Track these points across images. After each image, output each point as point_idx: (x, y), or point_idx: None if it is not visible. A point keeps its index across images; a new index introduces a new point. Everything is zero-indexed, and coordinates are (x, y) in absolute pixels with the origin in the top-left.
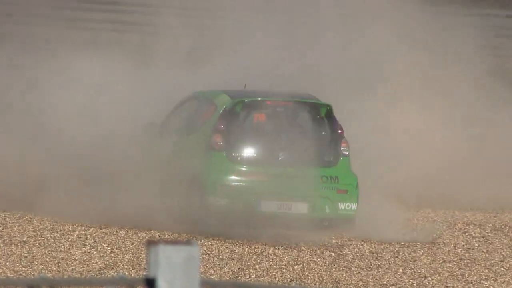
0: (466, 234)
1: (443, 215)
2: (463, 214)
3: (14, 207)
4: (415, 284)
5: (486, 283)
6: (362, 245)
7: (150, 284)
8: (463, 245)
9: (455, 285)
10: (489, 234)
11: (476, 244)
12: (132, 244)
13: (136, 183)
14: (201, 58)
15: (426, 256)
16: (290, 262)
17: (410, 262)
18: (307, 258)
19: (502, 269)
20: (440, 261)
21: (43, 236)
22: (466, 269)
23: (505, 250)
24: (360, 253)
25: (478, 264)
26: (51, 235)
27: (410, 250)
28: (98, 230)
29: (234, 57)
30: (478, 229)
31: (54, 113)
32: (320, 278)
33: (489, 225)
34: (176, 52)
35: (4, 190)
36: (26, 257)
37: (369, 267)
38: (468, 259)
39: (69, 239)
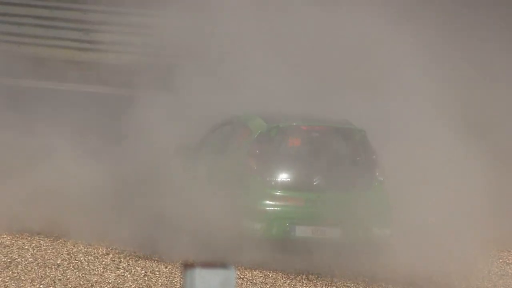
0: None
1: None
2: None
3: (48, 230)
4: None
5: None
6: (398, 269)
7: None
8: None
9: None
10: None
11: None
12: (166, 267)
13: (169, 207)
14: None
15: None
16: (324, 286)
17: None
18: (341, 283)
19: None
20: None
21: (77, 259)
22: None
23: None
24: (395, 279)
25: None
26: (85, 258)
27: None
28: (132, 253)
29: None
30: None
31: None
32: None
33: None
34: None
35: (40, 212)
36: (60, 279)
37: None
38: None
39: (103, 262)
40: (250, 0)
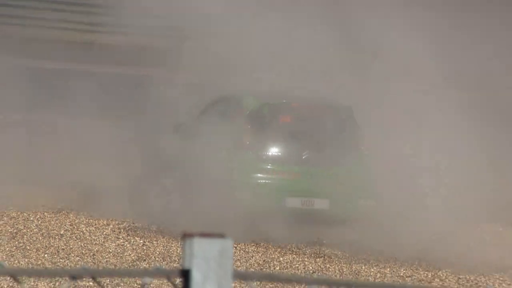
0: None
1: None
2: None
3: (52, 204)
4: (429, 276)
5: None
6: (381, 238)
7: (185, 275)
8: None
9: None
10: None
11: None
12: (163, 237)
13: (168, 181)
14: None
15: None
16: (312, 255)
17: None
18: (328, 251)
19: None
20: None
21: (79, 229)
22: None
23: None
24: (379, 248)
25: None
26: (87, 228)
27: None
28: (131, 224)
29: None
30: None
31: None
32: (341, 270)
33: None
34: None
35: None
36: (63, 249)
37: (387, 261)
38: None
39: (104, 233)
40: None
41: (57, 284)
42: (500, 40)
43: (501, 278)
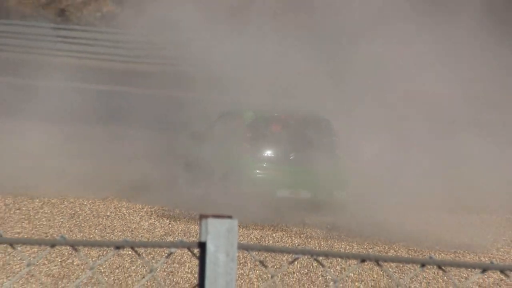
0: None
1: None
2: None
3: (101, 193)
4: (386, 248)
5: None
6: (350, 220)
7: (202, 247)
8: None
9: None
10: None
11: None
12: (184, 218)
13: (186, 177)
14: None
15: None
16: (297, 232)
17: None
18: (310, 230)
19: None
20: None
21: (121, 212)
22: None
23: None
24: (349, 227)
25: None
26: (127, 211)
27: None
28: (160, 208)
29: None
30: None
31: None
32: (319, 244)
33: None
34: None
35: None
36: (109, 226)
37: (354, 237)
38: None
39: (139, 214)
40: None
41: (104, 252)
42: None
43: (440, 250)
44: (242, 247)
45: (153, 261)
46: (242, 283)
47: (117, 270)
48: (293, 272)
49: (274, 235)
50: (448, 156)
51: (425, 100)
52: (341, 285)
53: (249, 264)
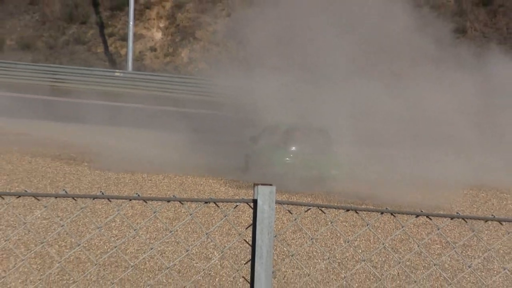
0: None
1: None
2: None
3: (198, 171)
4: (369, 206)
5: None
6: (342, 188)
7: (255, 202)
8: None
9: None
10: None
11: None
12: (245, 186)
13: (247, 163)
14: None
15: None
16: (311, 195)
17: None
18: (317, 193)
19: None
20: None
21: (209, 182)
22: None
23: None
24: (341, 191)
25: None
26: (213, 182)
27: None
28: (232, 180)
29: None
30: None
31: None
32: (322, 200)
33: None
34: None
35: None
36: (201, 191)
37: (344, 198)
38: None
39: (216, 185)
40: None
41: (199, 205)
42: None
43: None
44: (278, 202)
45: (226, 210)
46: (277, 223)
47: (207, 215)
48: (307, 217)
49: (296, 196)
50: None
51: None
52: (334, 225)
53: (282, 212)
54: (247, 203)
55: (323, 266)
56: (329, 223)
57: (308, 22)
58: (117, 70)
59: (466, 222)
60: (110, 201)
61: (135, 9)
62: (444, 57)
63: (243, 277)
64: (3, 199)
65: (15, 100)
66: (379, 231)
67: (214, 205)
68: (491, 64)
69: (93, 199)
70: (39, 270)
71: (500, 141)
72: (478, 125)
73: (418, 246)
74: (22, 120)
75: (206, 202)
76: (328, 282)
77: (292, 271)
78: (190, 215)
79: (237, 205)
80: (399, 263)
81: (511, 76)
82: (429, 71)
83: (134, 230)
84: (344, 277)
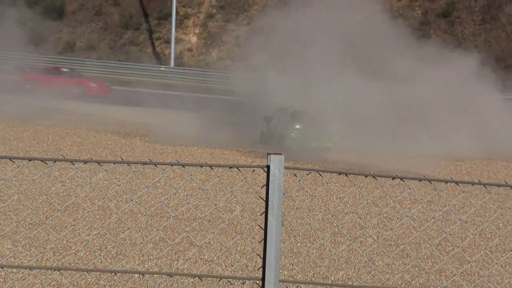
0: None
1: None
2: None
3: (222, 144)
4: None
5: None
6: (335, 157)
7: (268, 168)
8: None
9: None
10: None
11: None
12: (261, 155)
13: (262, 138)
14: None
15: None
16: (312, 162)
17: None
18: (316, 161)
19: None
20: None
21: (232, 153)
22: None
23: None
24: (338, 160)
25: None
26: (234, 152)
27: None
28: (250, 151)
29: None
30: None
31: None
32: (319, 167)
33: None
34: None
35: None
36: (226, 159)
37: (336, 163)
38: None
39: (240, 154)
40: None
41: (221, 170)
42: None
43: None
44: (286, 167)
45: (246, 173)
46: (285, 184)
47: (230, 178)
48: (308, 179)
49: (299, 163)
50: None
51: None
52: (329, 185)
53: (288, 175)
54: (262, 168)
55: (320, 217)
56: (325, 183)
57: (309, 31)
58: (162, 66)
59: (431, 183)
60: (156, 166)
61: (176, 19)
62: (415, 56)
63: (258, 225)
64: (74, 164)
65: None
66: (363, 190)
67: (236, 169)
68: (450, 61)
69: (143, 164)
70: (101, 220)
71: (462, 122)
72: (445, 109)
73: (393, 202)
74: (88, 103)
75: (230, 167)
76: (323, 230)
77: (296, 221)
78: (218, 177)
79: (254, 170)
80: (379, 215)
81: (465, 71)
82: (403, 68)
83: (175, 188)
84: (336, 226)
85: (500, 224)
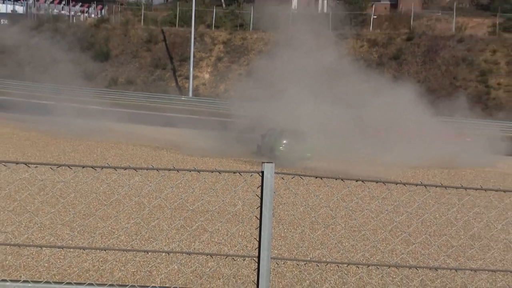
0: None
1: None
2: None
3: (223, 154)
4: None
5: None
6: (313, 165)
7: (262, 173)
8: None
9: None
10: None
11: None
12: (257, 163)
13: (258, 150)
14: None
15: None
16: (293, 169)
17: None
18: (299, 168)
19: None
20: None
21: (230, 161)
22: None
23: None
24: (316, 167)
25: None
26: (233, 161)
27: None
28: (248, 160)
29: None
30: None
31: None
32: (301, 172)
33: None
34: None
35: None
36: (227, 165)
37: (316, 170)
38: None
39: (240, 162)
40: None
41: (226, 175)
42: None
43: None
44: (276, 173)
45: (246, 177)
46: (275, 185)
47: (234, 180)
48: (292, 181)
49: (286, 169)
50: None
51: None
52: (308, 186)
53: (278, 178)
54: (258, 173)
55: (302, 210)
56: (305, 185)
57: (292, 69)
58: (183, 96)
59: (385, 184)
60: (178, 171)
61: (193, 61)
62: (372, 87)
63: (255, 216)
64: (116, 170)
65: (124, 113)
66: (334, 190)
67: (239, 174)
68: (398, 92)
69: (168, 170)
70: (136, 212)
71: (407, 137)
72: (396, 127)
73: (356, 198)
74: (128, 124)
75: (234, 172)
76: (304, 219)
77: (284, 212)
78: (224, 180)
79: (252, 174)
80: (346, 208)
81: (409, 98)
82: (365, 96)
83: (192, 188)
84: (313, 216)
85: (437, 215)
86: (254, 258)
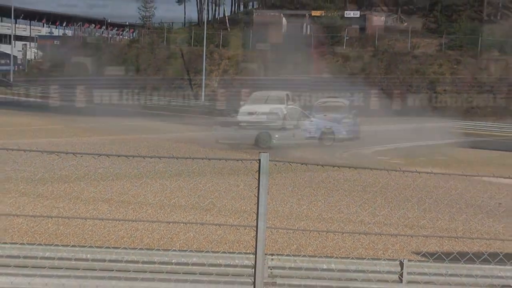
0: None
1: None
2: None
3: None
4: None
5: None
6: (302, 155)
7: (260, 160)
8: None
9: None
10: None
11: None
12: (243, 151)
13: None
14: None
15: None
16: (281, 156)
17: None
18: (290, 158)
19: None
20: None
21: (222, 154)
22: None
23: None
24: (302, 156)
25: None
26: (225, 154)
27: None
28: (247, 150)
29: None
30: None
31: None
32: (291, 160)
33: None
34: None
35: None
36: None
37: (307, 159)
38: None
39: (236, 152)
40: None
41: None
42: None
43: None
44: (270, 160)
45: (247, 163)
46: (270, 170)
47: (237, 167)
48: (282, 167)
49: (277, 158)
50: None
51: None
52: (295, 172)
53: (271, 164)
54: (256, 161)
55: (290, 189)
56: (293, 170)
57: (279, 82)
58: (198, 101)
59: (356, 169)
60: (193, 159)
61: (205, 73)
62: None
63: (254, 194)
64: (144, 158)
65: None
66: (316, 173)
67: (241, 162)
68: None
69: (185, 158)
70: (161, 191)
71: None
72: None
73: (333, 181)
74: (158, 122)
75: (237, 160)
76: (292, 197)
77: (276, 192)
78: (231, 166)
79: (251, 162)
80: (325, 188)
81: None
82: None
83: (204, 173)
84: (299, 194)
85: (397, 194)
86: (253, 227)
